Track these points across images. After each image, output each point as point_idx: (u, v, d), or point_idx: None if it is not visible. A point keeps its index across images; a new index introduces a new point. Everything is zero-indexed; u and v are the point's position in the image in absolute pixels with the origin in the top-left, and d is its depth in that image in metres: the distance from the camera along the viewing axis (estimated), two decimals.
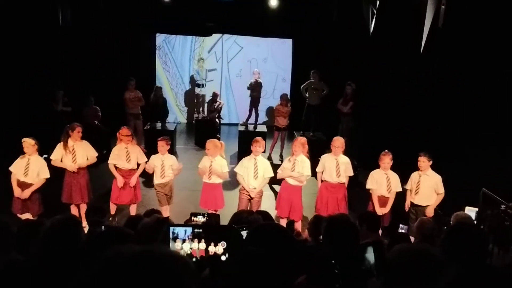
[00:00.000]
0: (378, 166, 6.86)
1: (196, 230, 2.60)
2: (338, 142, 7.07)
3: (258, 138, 7.06)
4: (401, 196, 6.88)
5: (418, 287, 1.86)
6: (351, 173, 7.12)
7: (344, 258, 2.66)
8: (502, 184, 5.99)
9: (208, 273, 2.65)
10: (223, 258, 2.56)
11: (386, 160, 6.75)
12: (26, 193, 6.47)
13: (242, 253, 2.15)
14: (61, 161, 6.99)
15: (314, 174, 7.27)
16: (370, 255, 2.74)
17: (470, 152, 7.44)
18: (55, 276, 2.43)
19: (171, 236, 2.56)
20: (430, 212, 6.51)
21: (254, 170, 6.86)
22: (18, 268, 2.52)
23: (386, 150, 6.85)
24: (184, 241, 2.58)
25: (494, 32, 7.05)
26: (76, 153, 7.03)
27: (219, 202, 7.02)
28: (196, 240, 2.58)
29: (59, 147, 7.01)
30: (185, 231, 2.59)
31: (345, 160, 7.05)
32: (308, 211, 7.26)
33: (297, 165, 6.88)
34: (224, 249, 2.57)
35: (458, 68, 7.87)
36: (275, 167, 7.50)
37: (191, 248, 2.57)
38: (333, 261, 2.57)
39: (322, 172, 7.14)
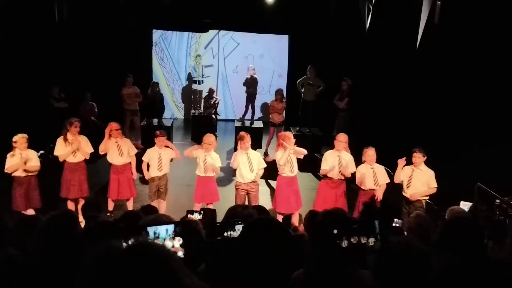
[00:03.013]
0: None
1: (177, 228, 2.59)
2: (343, 137, 7.10)
3: (243, 133, 7.11)
4: (392, 191, 6.93)
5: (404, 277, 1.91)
6: (354, 169, 7.03)
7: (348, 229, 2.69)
8: (497, 179, 6.02)
9: (204, 269, 2.67)
10: (180, 254, 2.56)
11: (370, 153, 6.81)
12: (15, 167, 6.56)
13: (236, 248, 2.17)
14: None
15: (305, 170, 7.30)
16: (376, 227, 2.79)
17: (465, 147, 7.46)
18: (51, 271, 2.44)
19: (152, 236, 2.55)
20: (414, 197, 6.54)
21: (249, 164, 6.95)
22: (14, 263, 2.53)
23: (369, 146, 6.92)
24: (164, 240, 2.56)
25: (490, 28, 7.06)
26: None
27: (215, 195, 7.13)
28: (177, 238, 2.58)
29: (61, 141, 7.06)
30: (167, 230, 2.58)
31: (347, 157, 7.04)
32: (304, 205, 7.28)
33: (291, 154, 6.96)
34: (180, 244, 2.57)
35: (454, 64, 7.88)
36: (272, 162, 7.52)
37: (173, 246, 2.56)
38: (335, 231, 2.60)
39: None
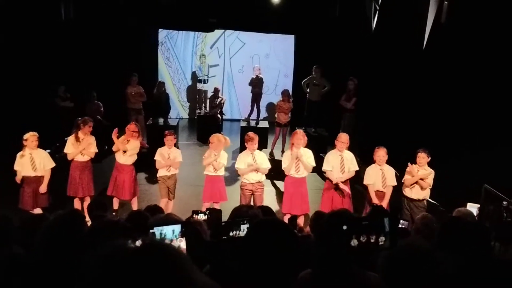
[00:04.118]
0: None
1: (183, 229, 2.59)
2: (345, 137, 7.08)
3: (252, 134, 7.10)
4: (398, 192, 6.91)
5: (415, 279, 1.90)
6: (356, 167, 7.09)
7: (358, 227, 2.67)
8: (504, 180, 5.98)
9: (209, 269, 2.66)
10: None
11: (381, 153, 6.76)
12: (43, 187, 6.59)
13: (243, 247, 2.16)
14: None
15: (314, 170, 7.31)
16: (385, 226, 2.77)
17: (472, 147, 7.43)
18: (57, 270, 2.44)
19: (158, 236, 2.54)
20: (409, 181, 6.61)
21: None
22: (19, 262, 2.53)
23: (380, 145, 6.88)
24: (171, 241, 2.55)
25: (497, 28, 7.01)
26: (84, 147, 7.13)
27: (223, 194, 7.14)
28: (180, 239, 2.58)
29: (72, 140, 7.09)
30: (173, 230, 2.57)
31: (349, 156, 7.06)
32: (310, 205, 7.27)
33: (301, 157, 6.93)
34: (185, 245, 2.57)
35: (461, 64, 7.84)
36: (277, 163, 7.51)
37: (179, 247, 2.55)
38: (344, 227, 2.58)
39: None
